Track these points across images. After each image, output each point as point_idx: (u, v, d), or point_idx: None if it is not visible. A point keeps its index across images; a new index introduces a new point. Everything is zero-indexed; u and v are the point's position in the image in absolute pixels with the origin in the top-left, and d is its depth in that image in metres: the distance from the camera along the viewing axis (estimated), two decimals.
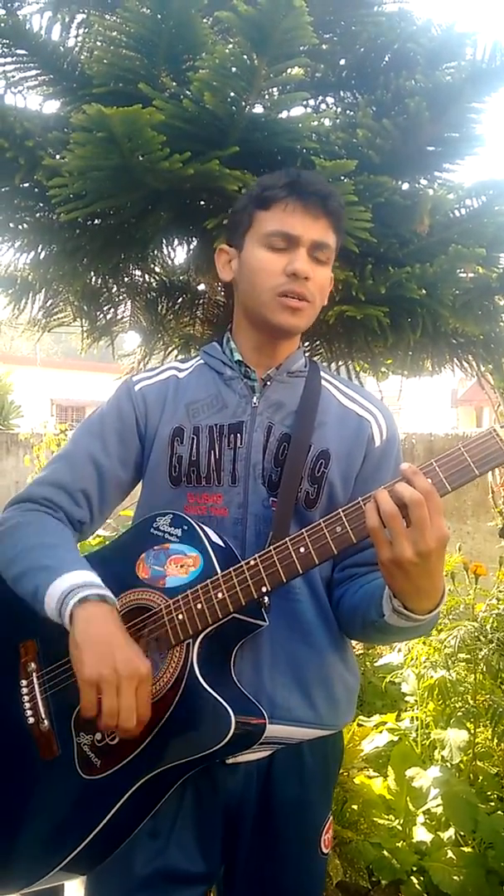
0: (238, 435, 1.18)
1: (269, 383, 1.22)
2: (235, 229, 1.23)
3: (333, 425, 1.21)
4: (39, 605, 1.05)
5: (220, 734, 0.98)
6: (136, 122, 1.26)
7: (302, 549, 1.02)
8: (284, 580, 1.03)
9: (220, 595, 1.04)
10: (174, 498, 1.18)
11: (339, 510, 1.01)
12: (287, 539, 1.03)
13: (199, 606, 1.04)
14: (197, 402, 1.22)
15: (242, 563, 1.04)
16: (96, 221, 1.78)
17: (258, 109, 1.50)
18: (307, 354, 1.29)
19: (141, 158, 1.34)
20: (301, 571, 1.02)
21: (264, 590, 1.03)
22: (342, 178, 1.41)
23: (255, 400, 1.20)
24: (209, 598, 1.04)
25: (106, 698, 0.97)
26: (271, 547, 1.03)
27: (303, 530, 1.02)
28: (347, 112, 1.83)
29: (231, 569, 1.04)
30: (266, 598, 1.07)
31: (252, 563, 1.03)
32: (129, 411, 1.23)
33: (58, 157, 1.46)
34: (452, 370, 2.15)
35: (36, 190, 1.68)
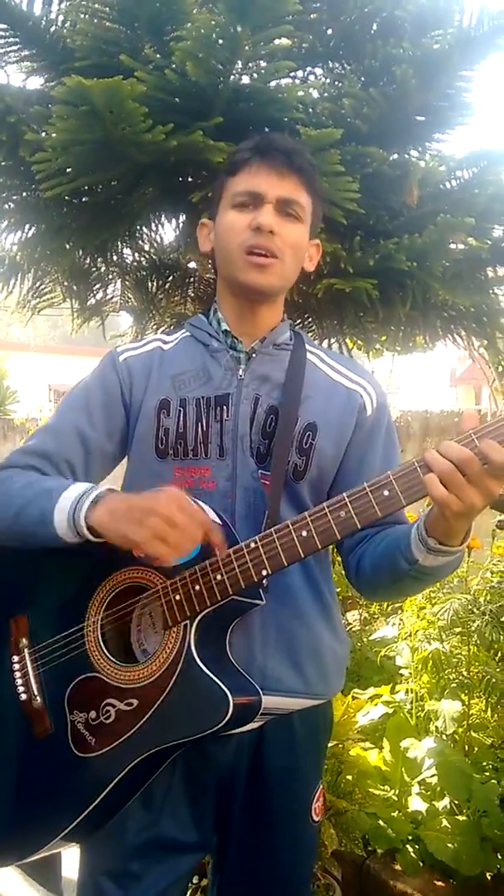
0: (224, 407, 1.17)
1: (254, 356, 1.21)
2: (213, 201, 1.23)
3: (320, 398, 1.21)
4: (48, 526, 1.05)
5: (217, 716, 0.99)
6: (117, 94, 1.24)
7: (304, 533, 1.00)
8: (286, 564, 1.02)
9: (219, 577, 1.03)
10: (161, 471, 1.17)
11: (344, 494, 0.99)
12: (289, 522, 1.02)
13: (197, 588, 1.04)
14: (183, 375, 1.21)
15: (242, 545, 1.03)
16: (83, 199, 1.77)
17: (244, 80, 1.48)
18: (295, 328, 1.28)
19: (124, 131, 1.32)
20: (303, 556, 1.01)
21: (264, 573, 1.02)
22: (329, 147, 1.39)
23: (240, 372, 1.20)
24: (208, 581, 1.03)
25: (171, 538, 0.95)
26: (272, 529, 1.02)
27: (306, 513, 1.01)
28: (336, 83, 1.81)
29: (231, 550, 1.03)
30: (265, 580, 1.07)
31: (252, 545, 1.02)
32: (113, 383, 1.22)
33: (41, 132, 1.44)
34: (445, 344, 2.14)
35: (21, 168, 1.66)
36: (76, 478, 1.20)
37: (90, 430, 1.20)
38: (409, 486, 0.97)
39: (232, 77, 1.40)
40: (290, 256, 1.17)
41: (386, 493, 0.97)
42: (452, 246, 1.70)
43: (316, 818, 1.27)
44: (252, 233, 1.13)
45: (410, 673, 2.38)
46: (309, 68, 1.91)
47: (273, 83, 1.45)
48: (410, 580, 1.09)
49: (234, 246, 1.15)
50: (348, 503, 0.99)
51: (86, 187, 1.67)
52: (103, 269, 2.17)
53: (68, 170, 1.44)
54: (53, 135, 1.35)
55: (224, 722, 0.99)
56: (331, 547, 1.20)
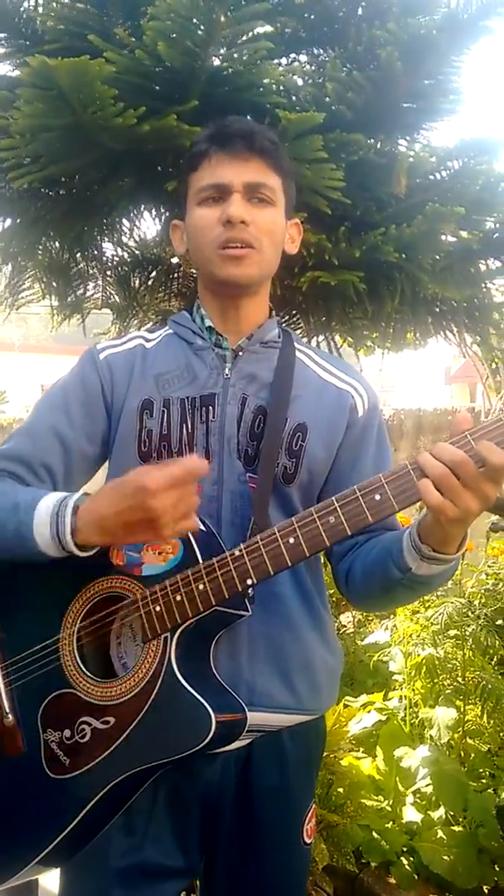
0: (210, 408, 1.12)
1: (241, 354, 1.15)
2: (180, 201, 1.17)
3: (310, 398, 1.15)
4: (27, 540, 0.99)
5: (199, 735, 0.94)
6: (85, 75, 1.17)
7: (292, 540, 0.95)
8: (272, 573, 0.96)
9: (201, 587, 0.97)
10: None
11: (334, 499, 0.94)
12: (275, 528, 0.96)
13: (178, 598, 0.98)
14: (166, 374, 1.15)
15: (227, 552, 0.98)
16: (59, 191, 1.70)
17: (221, 64, 1.41)
18: (283, 326, 1.22)
19: (93, 115, 1.25)
20: (290, 564, 0.96)
21: (249, 582, 0.97)
22: (311, 133, 1.32)
23: (226, 371, 1.14)
24: (190, 590, 0.98)
25: (172, 503, 0.89)
26: (258, 537, 0.97)
27: (293, 519, 0.96)
28: (320, 70, 1.75)
29: (214, 559, 0.98)
30: (251, 590, 1.01)
31: (237, 553, 0.97)
32: (93, 381, 1.16)
33: (8, 118, 1.37)
34: (437, 341, 2.08)
35: None
36: (55, 483, 1.13)
37: (69, 432, 1.13)
38: (402, 491, 0.92)
39: (209, 60, 1.33)
40: (268, 243, 1.11)
41: (378, 497, 0.92)
42: (442, 238, 1.63)
43: (308, 840, 1.20)
44: (223, 227, 1.08)
45: (404, 679, 2.32)
46: (293, 55, 1.85)
47: (253, 68, 1.38)
48: (403, 589, 1.04)
49: (207, 244, 1.10)
50: (338, 508, 0.93)
51: (61, 178, 1.61)
52: (83, 264, 2.09)
53: (37, 158, 1.37)
54: (20, 119, 1.27)
55: (206, 742, 0.94)
56: (321, 553, 1.13)
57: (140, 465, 1.10)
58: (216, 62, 1.34)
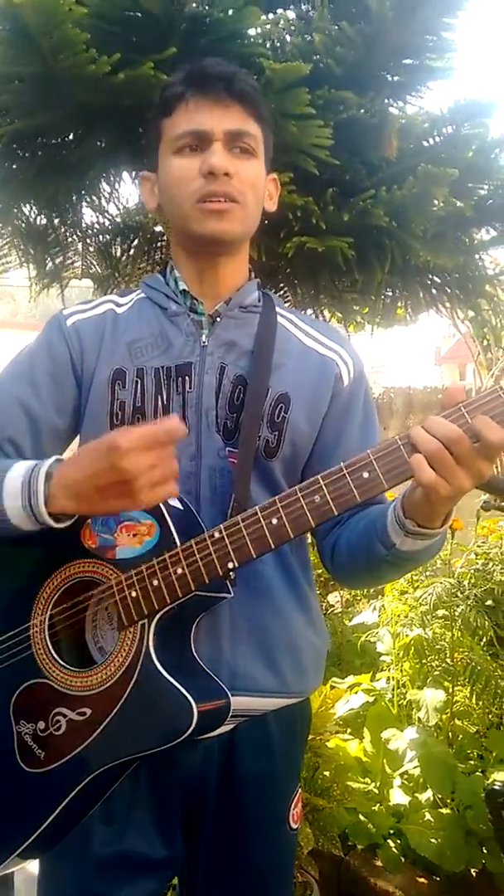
0: (187, 378, 1.04)
1: (218, 319, 1.08)
2: (149, 149, 1.08)
3: (293, 367, 1.08)
4: (1, 517, 0.92)
5: (180, 726, 0.89)
6: (54, 15, 1.09)
7: (275, 521, 0.89)
8: (254, 555, 0.90)
9: (179, 571, 0.91)
10: None
11: (319, 477, 0.88)
12: (257, 508, 0.90)
13: (155, 583, 0.92)
14: (139, 341, 1.07)
15: (206, 534, 0.91)
16: (37, 152, 1.61)
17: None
18: (264, 290, 1.14)
19: (64, 63, 1.16)
20: (273, 546, 0.90)
21: (231, 566, 0.90)
22: (297, 86, 1.24)
23: (203, 338, 1.07)
24: (167, 575, 0.92)
25: (133, 477, 0.82)
26: (239, 517, 0.91)
27: (275, 498, 0.89)
28: (308, 25, 1.66)
29: (192, 541, 0.92)
30: (232, 573, 0.95)
31: (217, 535, 0.91)
32: (61, 349, 1.08)
33: None
34: (428, 314, 2.01)
35: None
36: (23, 458, 1.05)
37: (36, 404, 1.06)
38: (392, 468, 0.85)
39: (189, 6, 1.24)
40: (251, 197, 1.04)
41: (366, 474, 0.86)
42: (435, 204, 1.56)
43: (294, 825, 1.16)
44: (204, 180, 0.99)
45: (392, 660, 2.28)
46: (279, 10, 1.76)
47: (237, 15, 1.29)
48: (388, 566, 0.98)
49: (185, 197, 1.01)
50: (323, 486, 0.87)
51: (33, 136, 1.52)
52: (62, 230, 2.00)
53: (6, 111, 1.28)
54: None
55: (188, 733, 0.89)
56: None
57: None
58: (196, 8, 1.25)
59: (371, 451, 0.86)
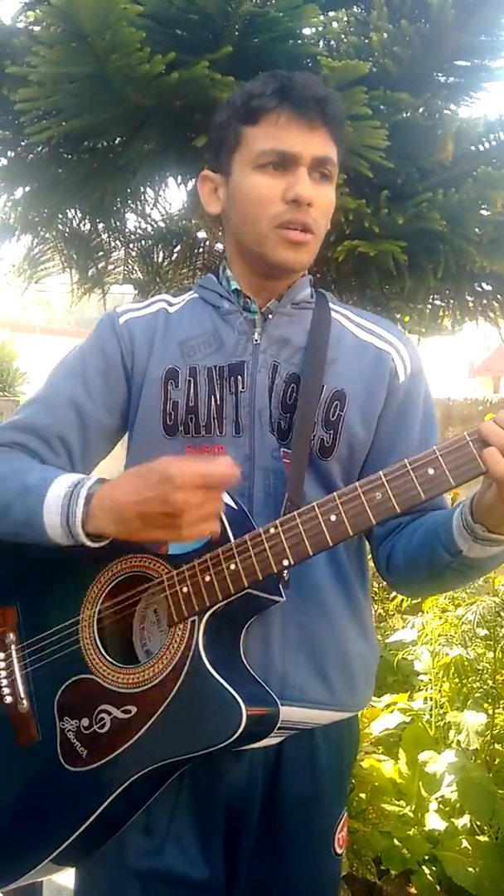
0: (240, 377, 1.02)
1: (270, 317, 1.05)
2: (219, 150, 1.03)
3: (348, 361, 1.04)
4: (37, 527, 0.91)
5: (228, 729, 0.85)
6: (110, 15, 1.07)
7: (333, 518, 0.85)
8: (311, 553, 0.86)
9: (232, 567, 0.88)
10: (170, 450, 1.00)
11: (381, 473, 0.84)
12: (316, 504, 0.87)
13: (207, 579, 0.89)
14: (192, 340, 1.05)
15: (260, 530, 0.88)
16: (83, 155, 1.61)
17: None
18: (315, 286, 1.11)
19: (118, 63, 1.15)
20: (331, 544, 0.86)
21: (286, 563, 0.87)
22: (354, 85, 1.21)
23: (255, 336, 1.04)
24: (220, 570, 0.89)
25: (196, 501, 0.82)
26: (295, 513, 0.88)
27: (334, 494, 0.86)
28: (365, 27, 1.63)
29: (247, 536, 0.89)
30: (286, 573, 0.92)
31: (272, 531, 0.88)
32: (113, 347, 1.06)
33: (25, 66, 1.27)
34: (477, 323, 1.96)
35: (9, 118, 1.50)
36: (71, 456, 1.05)
37: (86, 401, 1.04)
38: (460, 464, 0.81)
39: (244, 4, 1.21)
40: (324, 225, 1.02)
41: (431, 471, 0.82)
42: (487, 212, 1.51)
43: (339, 850, 1.11)
44: (286, 205, 0.96)
45: (430, 679, 2.21)
46: (331, 13, 1.73)
47: (292, 13, 1.26)
48: (452, 574, 0.94)
49: (264, 219, 0.98)
50: (385, 483, 0.83)
51: (81, 138, 1.51)
52: (105, 235, 2.00)
53: (58, 112, 1.28)
54: (39, 66, 1.17)
55: (236, 736, 0.85)
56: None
57: (165, 439, 1.03)
58: (252, 6, 1.23)
59: (437, 447, 0.83)
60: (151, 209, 1.97)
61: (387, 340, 1.07)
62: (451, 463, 0.81)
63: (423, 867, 1.88)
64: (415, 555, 0.99)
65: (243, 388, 1.01)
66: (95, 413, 1.05)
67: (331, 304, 1.09)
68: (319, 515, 0.86)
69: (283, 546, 0.87)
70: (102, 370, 1.06)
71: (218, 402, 1.01)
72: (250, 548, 0.88)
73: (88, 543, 0.90)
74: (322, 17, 1.55)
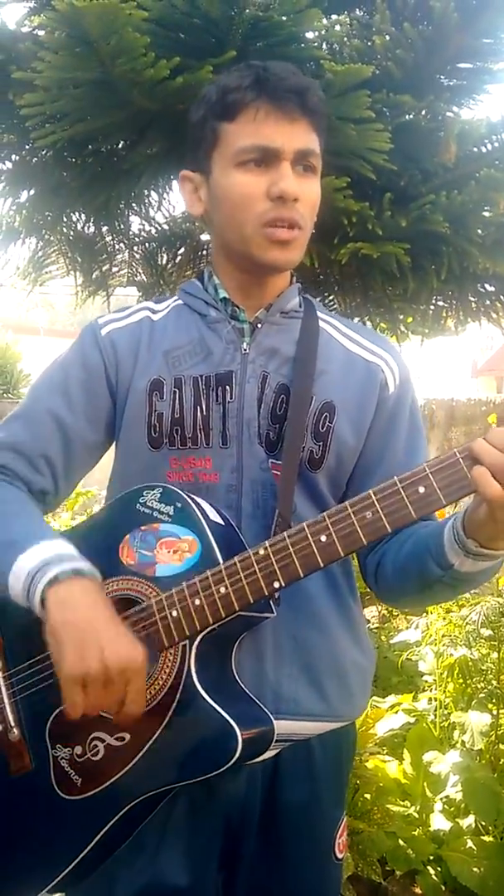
0: (227, 387, 1.00)
1: (259, 326, 1.04)
2: (197, 148, 1.01)
3: (337, 373, 1.04)
4: (5, 584, 0.90)
5: (224, 755, 0.84)
6: (115, 20, 1.08)
7: (324, 538, 0.84)
8: (301, 575, 0.86)
9: (222, 590, 0.87)
10: (155, 463, 1.01)
11: (371, 492, 0.83)
12: (305, 525, 0.86)
13: (197, 602, 0.88)
14: (177, 350, 1.03)
15: (250, 552, 0.87)
16: (87, 159, 1.62)
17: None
18: (304, 294, 1.11)
19: (123, 67, 1.16)
20: (322, 565, 0.85)
21: (276, 585, 0.86)
22: (358, 88, 1.21)
23: (244, 346, 1.03)
24: (209, 594, 0.87)
25: (90, 697, 0.83)
26: (285, 534, 0.87)
27: (324, 514, 0.85)
28: (368, 30, 1.63)
29: (236, 559, 0.88)
30: (277, 594, 0.91)
31: (262, 552, 0.86)
32: (95, 360, 1.04)
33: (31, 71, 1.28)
34: (480, 324, 1.96)
35: (14, 121, 1.51)
36: (55, 475, 1.04)
37: (69, 416, 1.03)
38: (451, 482, 0.80)
39: (248, 8, 1.22)
40: (310, 219, 1.00)
41: (422, 489, 0.81)
42: (488, 213, 1.52)
43: (340, 855, 1.10)
44: (271, 203, 0.95)
45: (434, 680, 2.21)
46: (334, 16, 1.74)
47: (295, 17, 1.27)
48: (442, 587, 0.93)
49: (249, 218, 0.96)
50: (376, 502, 0.82)
51: (86, 142, 1.52)
52: (109, 238, 2.01)
53: (63, 116, 1.28)
54: (45, 71, 1.18)
55: (232, 761, 0.84)
56: None
57: (150, 452, 1.01)
58: (256, 11, 1.24)
59: (427, 464, 0.82)
60: (155, 212, 1.98)
61: (375, 353, 1.07)
62: (441, 481, 0.80)
63: (428, 867, 1.88)
64: (404, 567, 0.98)
65: (231, 398, 1.00)
66: (77, 427, 1.04)
67: (319, 314, 1.08)
68: (310, 536, 0.85)
69: (273, 568, 0.86)
70: (84, 383, 1.04)
71: (204, 413, 1.00)
72: (240, 570, 0.87)
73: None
74: (325, 21, 1.56)
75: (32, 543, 0.90)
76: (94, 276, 2.13)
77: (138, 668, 0.84)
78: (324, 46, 1.35)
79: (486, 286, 1.76)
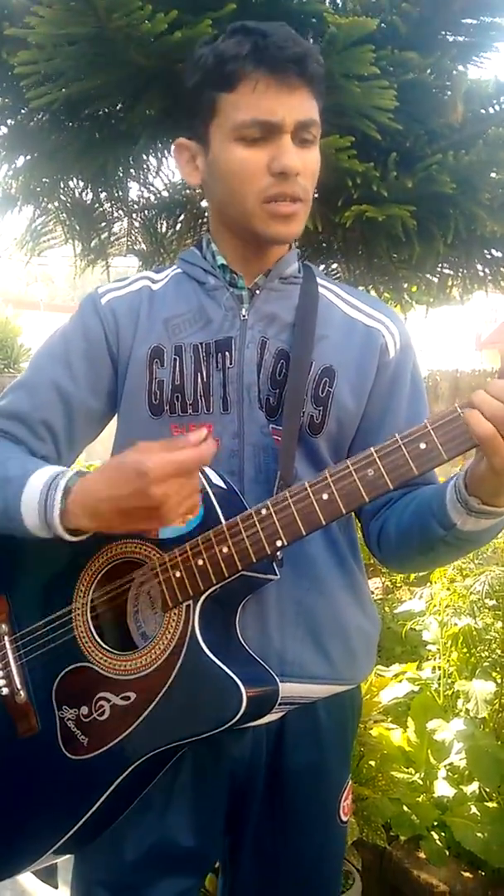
0: (227, 353, 1.00)
1: (258, 292, 1.03)
2: (193, 116, 0.98)
3: (337, 338, 1.03)
4: (16, 521, 0.90)
5: (228, 711, 0.85)
6: None
7: (325, 496, 0.84)
8: (304, 533, 0.85)
9: (225, 550, 0.87)
10: (156, 430, 1.00)
11: (372, 449, 0.83)
12: (307, 483, 0.85)
13: (200, 563, 0.88)
14: (177, 318, 1.03)
15: (252, 511, 0.87)
16: (84, 122, 1.58)
17: None
18: (304, 261, 1.09)
19: (119, 22, 1.12)
20: (324, 522, 0.85)
21: (279, 544, 0.86)
22: (362, 43, 1.17)
23: (243, 312, 1.02)
24: (212, 554, 0.87)
25: (174, 490, 0.80)
26: (287, 492, 0.86)
27: (326, 472, 0.85)
28: None
29: (238, 518, 0.88)
30: (279, 553, 0.90)
31: (264, 511, 0.86)
32: (96, 329, 1.04)
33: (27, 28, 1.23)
34: (486, 290, 1.93)
35: (9, 84, 1.46)
36: (56, 442, 1.04)
37: (71, 385, 1.03)
38: (452, 437, 0.80)
39: None
40: (311, 189, 0.98)
41: (423, 445, 0.81)
42: (499, 174, 1.48)
43: (344, 818, 1.12)
44: (274, 178, 0.92)
45: (438, 649, 2.22)
46: None
47: None
48: (446, 548, 0.93)
49: (250, 194, 0.94)
50: (377, 459, 0.82)
51: (82, 105, 1.47)
52: (108, 205, 1.97)
53: (60, 76, 1.24)
54: (39, 28, 1.14)
55: (237, 718, 0.85)
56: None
57: (151, 419, 1.01)
58: None
59: (428, 420, 0.81)
60: (154, 178, 1.93)
61: (375, 317, 1.05)
62: (442, 436, 0.80)
63: (432, 833, 1.91)
64: (407, 529, 0.98)
65: (231, 363, 0.99)
66: (79, 396, 1.03)
67: (318, 279, 1.07)
68: (311, 494, 0.85)
69: (275, 527, 0.86)
70: (85, 352, 1.04)
71: (204, 380, 1.00)
72: (242, 530, 0.87)
73: (68, 538, 0.89)
74: None
75: (34, 471, 0.91)
76: (92, 244, 2.09)
77: (176, 453, 0.80)
78: (326, 1, 1.30)
79: (494, 251, 1.72)
